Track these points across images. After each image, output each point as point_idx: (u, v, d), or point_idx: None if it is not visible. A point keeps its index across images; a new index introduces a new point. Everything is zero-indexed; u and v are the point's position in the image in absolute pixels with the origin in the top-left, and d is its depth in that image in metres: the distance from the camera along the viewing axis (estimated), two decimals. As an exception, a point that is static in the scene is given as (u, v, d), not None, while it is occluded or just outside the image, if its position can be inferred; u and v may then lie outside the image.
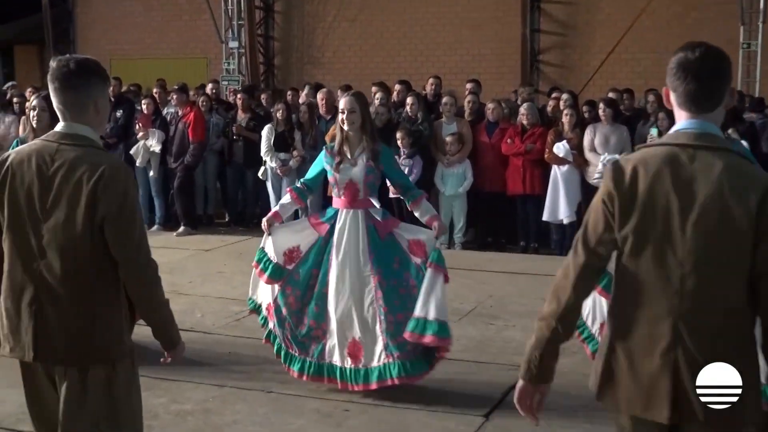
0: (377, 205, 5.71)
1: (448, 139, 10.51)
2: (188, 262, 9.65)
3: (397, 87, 11.74)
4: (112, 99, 12.27)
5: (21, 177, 3.22)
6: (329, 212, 5.70)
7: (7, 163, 3.27)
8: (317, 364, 5.54)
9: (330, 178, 5.70)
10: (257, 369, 5.99)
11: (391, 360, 5.39)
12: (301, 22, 17.95)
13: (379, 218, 5.62)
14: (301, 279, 5.61)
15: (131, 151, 11.58)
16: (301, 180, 5.93)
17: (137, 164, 11.44)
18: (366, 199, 5.63)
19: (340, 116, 5.65)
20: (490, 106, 10.83)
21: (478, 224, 11.26)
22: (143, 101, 11.98)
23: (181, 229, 11.54)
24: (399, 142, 10.32)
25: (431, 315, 5.32)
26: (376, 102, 10.97)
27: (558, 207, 10.22)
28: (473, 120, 10.93)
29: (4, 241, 3.28)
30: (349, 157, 5.63)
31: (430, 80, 12.10)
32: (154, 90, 12.56)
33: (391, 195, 9.96)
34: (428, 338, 5.32)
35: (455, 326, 7.08)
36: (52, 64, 3.25)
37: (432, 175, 10.61)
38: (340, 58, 17.56)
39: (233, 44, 17.02)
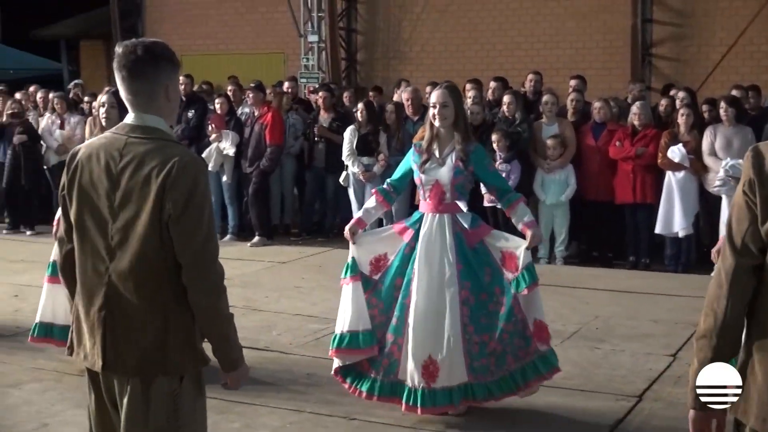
0: (464, 209, 5.65)
1: (549, 141, 10.43)
2: (263, 276, 9.78)
3: (493, 84, 11.72)
4: (183, 98, 12.54)
5: (89, 173, 3.26)
6: (414, 216, 5.72)
7: (77, 159, 3.32)
8: (389, 383, 5.53)
9: (416, 178, 5.71)
10: (338, 393, 6.01)
11: (472, 380, 5.42)
12: (387, 14, 18.03)
13: (467, 225, 5.57)
14: (384, 289, 5.63)
15: (203, 155, 11.79)
16: (388, 180, 5.94)
17: (209, 168, 11.65)
18: (453, 203, 5.60)
19: (431, 111, 5.65)
20: (596, 105, 10.72)
21: (581, 236, 11.15)
22: (216, 100, 12.19)
23: (256, 239, 11.71)
24: (495, 145, 10.29)
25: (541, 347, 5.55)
26: (469, 101, 10.98)
27: (672, 218, 10.05)
28: (577, 121, 10.84)
29: (74, 241, 3.33)
30: (437, 155, 5.62)
31: (529, 77, 12.04)
32: (228, 88, 12.76)
33: (486, 203, 9.98)
34: (535, 383, 5.53)
35: (556, 350, 7.03)
36: (118, 50, 3.26)
37: (531, 181, 10.54)
38: (428, 53, 17.57)
39: (313, 38, 17.18)
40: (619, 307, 8.47)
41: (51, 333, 6.54)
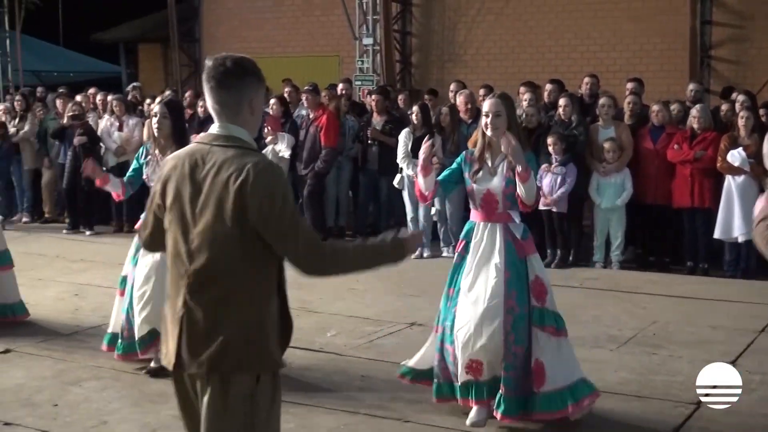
0: (517, 220, 5.58)
1: (605, 145, 10.34)
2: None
3: (549, 87, 11.65)
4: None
5: (176, 181, 3.40)
6: (467, 227, 5.69)
7: (166, 169, 3.48)
8: (447, 384, 5.60)
9: (467, 187, 5.66)
10: (392, 396, 6.02)
11: (501, 391, 5.36)
12: (442, 17, 18.01)
13: (518, 236, 5.53)
14: (442, 302, 5.68)
15: (258, 157, 11.86)
16: (437, 178, 5.82)
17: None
18: (505, 212, 5.54)
19: (483, 120, 5.57)
20: (654, 108, 10.60)
21: (638, 241, 11.03)
22: (271, 102, 12.27)
23: (311, 241, 11.71)
24: (550, 148, 10.23)
25: (560, 385, 5.42)
26: (525, 104, 10.93)
27: (732, 223, 9.90)
28: (634, 124, 10.72)
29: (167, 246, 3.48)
30: (489, 165, 5.56)
31: (585, 79, 11.95)
32: (285, 90, 12.81)
33: (541, 206, 9.94)
34: (573, 409, 5.41)
35: (612, 355, 7.00)
36: (208, 62, 3.43)
37: (586, 185, 10.46)
38: (484, 56, 17.53)
39: (367, 41, 17.22)
40: (676, 313, 8.37)
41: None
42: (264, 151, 11.84)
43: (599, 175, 10.42)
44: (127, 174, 6.85)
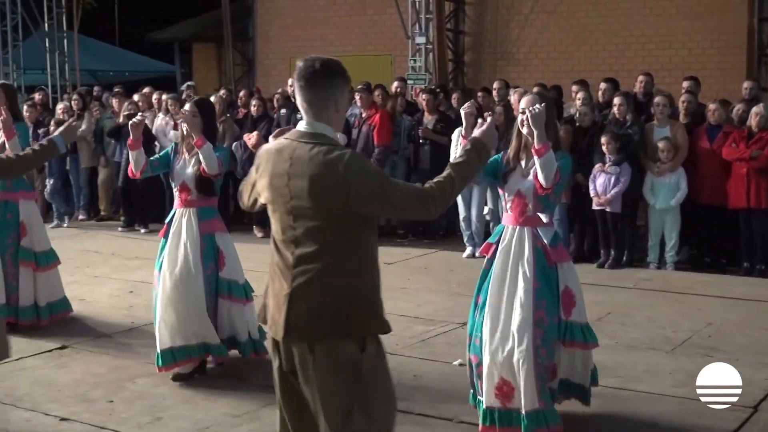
0: (545, 221, 5.34)
1: (659, 144, 10.23)
2: (369, 276, 9.80)
3: (603, 86, 11.53)
4: (293, 99, 12.68)
5: (269, 175, 3.73)
6: (497, 230, 5.45)
7: (259, 161, 3.83)
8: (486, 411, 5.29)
9: (499, 188, 5.50)
10: (445, 395, 6.01)
11: (542, 407, 5.13)
12: (495, 15, 17.95)
13: (547, 241, 5.26)
14: (470, 311, 5.49)
15: (312, 156, 11.90)
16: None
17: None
18: (535, 216, 5.29)
19: (519, 117, 5.34)
20: (711, 107, 10.45)
21: (693, 242, 10.90)
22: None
23: (362, 240, 11.74)
24: (604, 148, 10.14)
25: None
26: (578, 102, 10.85)
27: (790, 224, 9.74)
28: (690, 123, 10.59)
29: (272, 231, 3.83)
30: (523, 166, 5.33)
31: (640, 78, 11.81)
32: (339, 89, 12.82)
33: (595, 206, 9.87)
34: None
35: (667, 357, 6.93)
36: (299, 63, 3.71)
37: (641, 185, 10.35)
38: (537, 54, 17.44)
39: (420, 40, 17.20)
40: (732, 315, 8.25)
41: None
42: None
43: (653, 174, 10.31)
44: (154, 156, 6.85)
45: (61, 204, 13.87)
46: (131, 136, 6.42)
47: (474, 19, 18.34)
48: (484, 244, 5.54)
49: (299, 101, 3.74)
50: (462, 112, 5.12)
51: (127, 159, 12.89)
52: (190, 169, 6.45)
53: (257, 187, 3.84)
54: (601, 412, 5.71)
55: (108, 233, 13.07)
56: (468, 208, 11.13)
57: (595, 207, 10.30)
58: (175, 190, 6.61)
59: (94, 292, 9.18)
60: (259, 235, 12.64)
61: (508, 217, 5.38)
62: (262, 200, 3.85)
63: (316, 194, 3.59)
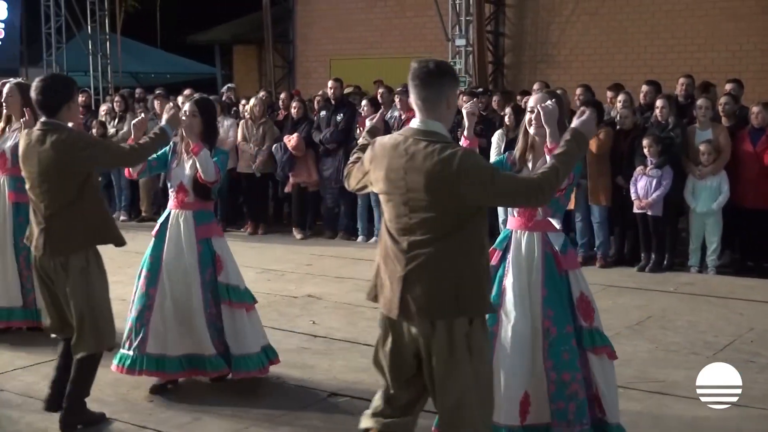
0: (558, 227, 5.03)
1: (701, 147, 10.14)
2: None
3: (645, 88, 11.43)
4: (333, 102, 12.72)
5: (385, 168, 4.05)
6: (503, 235, 5.19)
7: (374, 153, 4.15)
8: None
9: None
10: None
11: (555, 425, 4.84)
12: (535, 17, 17.87)
13: (557, 247, 4.97)
14: None
15: (351, 159, 11.90)
16: None
17: (356, 171, 11.75)
18: (545, 220, 4.99)
19: (527, 116, 5.06)
20: (755, 109, 10.32)
21: (735, 245, 10.79)
22: (363, 104, 12.31)
23: (401, 241, 11.75)
24: (646, 150, 10.07)
25: (616, 418, 4.94)
26: (619, 105, 10.78)
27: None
28: (733, 126, 10.49)
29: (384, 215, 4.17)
30: (530, 167, 5.04)
31: (681, 80, 11.70)
32: (379, 91, 12.84)
33: (636, 210, 9.78)
34: None
35: (709, 362, 6.83)
36: (413, 65, 4.07)
37: (682, 188, 10.26)
38: (577, 56, 17.34)
39: (460, 42, 17.16)
40: (775, 320, 8.16)
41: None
42: (356, 152, 11.88)
43: (695, 178, 10.22)
44: (152, 156, 6.32)
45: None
46: (133, 135, 6.12)
47: (514, 21, 18.27)
48: (492, 251, 5.05)
49: (413, 99, 4.06)
50: (464, 111, 5.09)
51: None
52: (188, 171, 6.25)
53: (370, 177, 4.18)
54: (641, 416, 5.67)
55: (148, 234, 13.13)
56: (506, 210, 11.04)
57: (636, 210, 10.23)
58: (171, 190, 6.39)
59: (135, 292, 9.24)
60: (298, 237, 12.69)
61: (515, 222, 5.09)
62: (375, 189, 4.19)
63: (431, 188, 3.89)
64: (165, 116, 5.93)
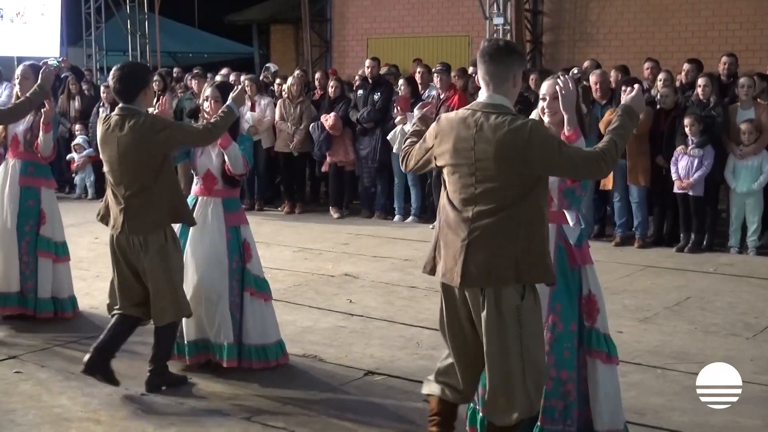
0: (572, 223, 4.81)
1: (742, 126, 10.01)
2: (445, 258, 9.79)
3: (686, 66, 11.30)
4: (370, 81, 12.69)
5: (452, 141, 4.26)
6: None
7: (440, 127, 4.36)
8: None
9: None
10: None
11: (541, 422, 4.69)
12: (575, -5, 17.73)
13: (572, 241, 4.79)
14: None
15: (388, 137, 11.90)
16: None
17: (393, 150, 11.73)
18: (560, 211, 4.81)
19: (540, 104, 4.92)
20: (797, 88, 10.19)
21: (777, 226, 10.66)
22: (401, 83, 12.26)
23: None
24: (687, 129, 9.96)
25: (602, 426, 4.73)
26: (659, 84, 10.66)
27: None
28: (777, 105, 10.34)
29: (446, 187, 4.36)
30: None
31: (723, 58, 11.55)
32: (418, 70, 12.77)
33: (677, 190, 9.65)
34: None
35: (747, 343, 6.81)
36: (484, 43, 4.30)
37: (723, 168, 10.15)
38: (617, 35, 17.18)
39: (498, 20, 17.06)
40: (817, 301, 8.07)
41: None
42: (393, 132, 11.88)
43: (735, 157, 10.10)
44: None
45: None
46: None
47: (553, -1, 18.12)
48: None
49: (481, 75, 4.26)
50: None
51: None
52: (215, 160, 6.24)
53: (435, 152, 4.36)
54: (680, 398, 5.64)
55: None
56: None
57: (677, 190, 10.13)
58: (197, 177, 6.36)
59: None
60: (335, 216, 12.71)
61: None
62: (439, 163, 4.34)
63: (501, 157, 4.09)
64: (231, 95, 6.10)
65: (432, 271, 4.40)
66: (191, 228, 6.15)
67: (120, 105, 5.76)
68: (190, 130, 6.00)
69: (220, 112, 5.97)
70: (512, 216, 4.15)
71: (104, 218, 5.90)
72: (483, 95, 4.28)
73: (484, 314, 4.20)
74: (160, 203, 5.69)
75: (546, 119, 4.82)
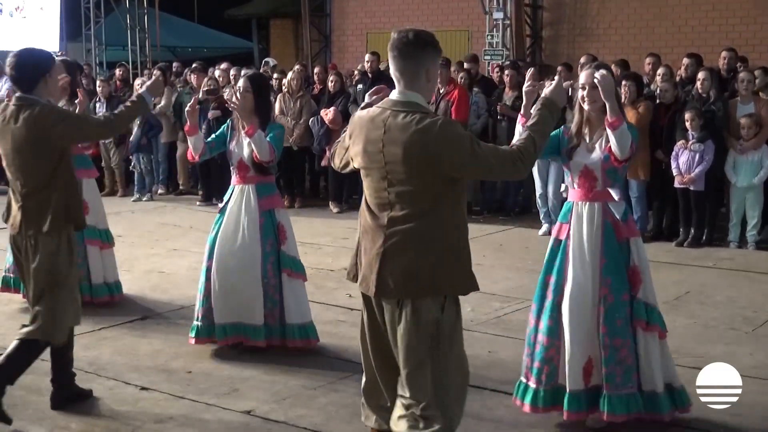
0: (616, 198, 5.11)
1: (742, 120, 10.01)
2: (445, 252, 9.80)
3: (686, 61, 11.32)
4: (369, 75, 12.70)
5: (363, 142, 3.98)
6: (564, 208, 5.28)
7: (352, 128, 4.09)
8: (550, 391, 5.15)
9: (563, 165, 5.33)
10: (519, 371, 5.98)
11: (606, 391, 5.02)
12: (574, -10, 17.72)
13: (618, 216, 5.08)
14: (536, 290, 5.33)
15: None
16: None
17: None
18: (605, 190, 5.09)
19: (579, 93, 5.15)
20: (797, 82, 10.19)
21: (776, 221, 10.66)
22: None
23: (438, 216, 11.76)
24: (688, 124, 9.95)
25: (660, 387, 5.07)
26: (659, 78, 10.66)
27: None
28: (777, 99, 10.34)
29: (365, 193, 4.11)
30: (587, 141, 5.16)
31: (723, 53, 11.56)
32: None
33: (677, 184, 9.68)
34: (667, 416, 5.10)
35: (747, 337, 6.82)
36: (394, 35, 3.93)
37: (723, 163, 10.14)
38: (617, 29, 17.18)
39: (498, 15, 17.05)
40: (816, 296, 8.07)
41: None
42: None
43: (735, 152, 10.10)
44: (210, 137, 6.68)
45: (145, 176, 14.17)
46: (188, 122, 6.40)
47: (553, -7, 18.11)
48: (558, 225, 5.30)
49: (392, 71, 3.94)
50: (524, 90, 4.93)
51: (206, 133, 13.09)
52: (246, 149, 6.34)
53: (350, 153, 4.09)
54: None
55: (186, 207, 13.28)
56: (545, 185, 11.05)
57: (677, 185, 10.12)
58: (232, 167, 6.50)
59: (174, 264, 9.34)
60: (335, 210, 12.71)
61: (575, 194, 5.19)
62: (355, 165, 4.09)
63: (410, 160, 3.81)
64: (147, 83, 5.80)
65: (355, 278, 4.19)
66: (225, 213, 6.39)
67: (17, 95, 5.24)
68: (90, 123, 5.62)
69: (128, 101, 5.69)
70: (429, 222, 3.89)
71: (6, 217, 5.44)
72: (394, 92, 3.99)
73: (400, 328, 3.94)
74: (57, 204, 5.18)
75: (586, 107, 5.13)
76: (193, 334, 6.49)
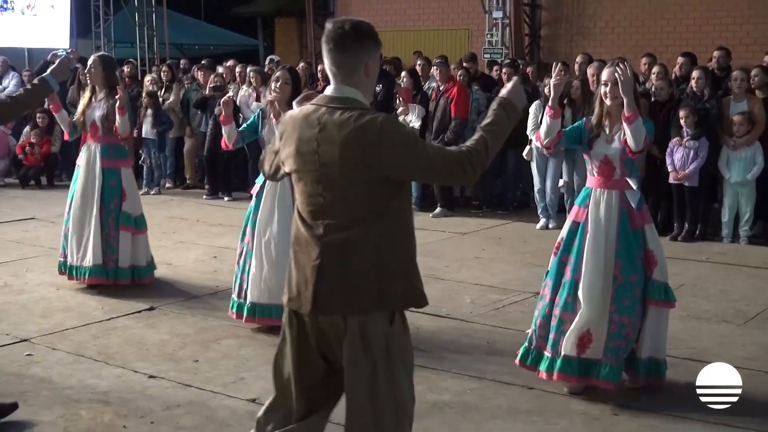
0: (634, 187, 5.42)
1: (735, 118, 10.01)
2: (444, 246, 9.84)
3: (680, 60, 11.31)
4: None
5: (295, 142, 3.50)
6: (583, 193, 5.58)
7: (284, 128, 3.61)
8: (564, 359, 5.41)
9: (584, 153, 5.59)
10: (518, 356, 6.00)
11: (603, 359, 5.33)
12: (572, -11, 17.70)
13: (633, 204, 5.39)
14: (552, 268, 5.56)
15: (389, 128, 11.89)
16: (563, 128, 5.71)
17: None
18: (623, 179, 5.40)
19: (601, 88, 5.43)
20: (789, 81, 10.18)
21: (768, 216, 10.67)
22: (402, 75, 12.27)
23: (438, 210, 11.78)
24: (683, 121, 9.95)
25: (645, 354, 5.45)
26: (654, 77, 10.66)
27: None
28: (770, 98, 10.33)
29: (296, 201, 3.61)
30: (607, 132, 5.45)
31: (715, 52, 11.59)
32: (418, 63, 12.78)
33: (672, 180, 9.68)
34: (641, 380, 5.51)
35: (739, 330, 6.82)
36: (328, 25, 3.48)
37: (717, 159, 10.14)
38: (613, 29, 17.18)
39: (497, 14, 17.07)
40: (807, 290, 8.07)
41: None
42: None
43: (729, 149, 10.10)
44: (242, 126, 6.96)
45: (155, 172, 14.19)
46: (223, 113, 6.62)
47: (551, -7, 18.09)
48: (575, 208, 5.59)
49: (327, 65, 3.49)
50: (551, 83, 5.37)
51: (212, 129, 13.12)
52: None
53: (281, 155, 3.60)
54: (672, 382, 5.66)
55: (193, 201, 13.28)
56: (543, 180, 11.05)
57: (672, 181, 10.13)
58: None
59: (181, 257, 9.35)
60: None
61: (594, 181, 5.49)
62: (286, 169, 3.60)
63: (348, 161, 3.37)
64: (52, 66, 5.66)
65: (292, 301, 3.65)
66: (263, 195, 6.52)
67: None
68: None
69: (28, 84, 5.53)
70: (369, 232, 3.40)
71: None
72: (330, 88, 3.52)
73: (346, 344, 3.45)
74: None
75: (608, 102, 5.36)
76: (230, 308, 6.77)
